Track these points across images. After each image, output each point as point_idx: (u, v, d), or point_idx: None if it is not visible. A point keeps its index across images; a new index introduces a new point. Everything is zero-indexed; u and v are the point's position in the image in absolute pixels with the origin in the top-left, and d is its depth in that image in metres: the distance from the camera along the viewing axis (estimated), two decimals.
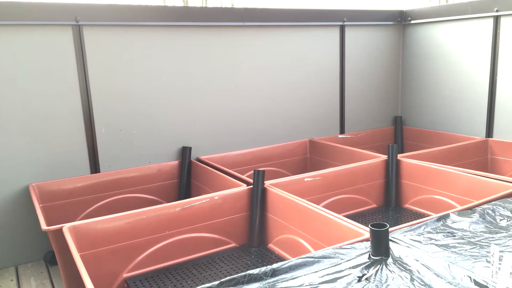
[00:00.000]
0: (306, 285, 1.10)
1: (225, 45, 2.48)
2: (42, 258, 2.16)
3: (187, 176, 2.41)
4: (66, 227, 1.54)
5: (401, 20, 3.05)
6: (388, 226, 1.23)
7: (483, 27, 2.61)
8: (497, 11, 2.50)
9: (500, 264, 1.10)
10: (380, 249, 1.22)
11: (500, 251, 1.23)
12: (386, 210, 2.24)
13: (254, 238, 1.88)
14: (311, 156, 2.85)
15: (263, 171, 1.90)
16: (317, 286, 1.10)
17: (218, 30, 2.45)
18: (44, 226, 1.58)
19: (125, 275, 1.65)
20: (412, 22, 3.00)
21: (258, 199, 1.88)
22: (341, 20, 2.80)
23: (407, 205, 2.24)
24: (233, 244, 1.89)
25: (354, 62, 2.95)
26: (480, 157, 2.60)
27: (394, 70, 3.14)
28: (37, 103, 2.07)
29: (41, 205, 1.99)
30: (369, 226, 1.23)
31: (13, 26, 1.97)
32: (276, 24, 2.60)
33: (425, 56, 2.98)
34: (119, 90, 2.24)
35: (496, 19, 2.54)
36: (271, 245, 1.86)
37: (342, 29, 2.84)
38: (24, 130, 2.06)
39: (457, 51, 2.78)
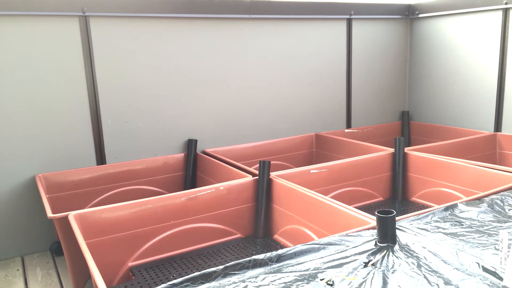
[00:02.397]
0: (312, 270, 1.09)
1: (231, 37, 2.48)
2: (48, 249, 2.16)
3: (192, 169, 2.41)
4: (71, 215, 1.54)
5: (409, 14, 3.03)
6: (395, 213, 1.21)
7: (492, 20, 2.58)
8: (506, 3, 2.47)
9: (509, 250, 1.09)
10: (387, 236, 1.21)
11: (509, 239, 1.21)
12: (393, 203, 2.22)
13: (260, 229, 1.87)
14: (317, 150, 2.84)
15: (269, 162, 1.89)
16: (323, 271, 1.09)
17: (225, 23, 2.44)
18: (50, 214, 1.58)
19: (130, 263, 1.65)
20: (420, 16, 2.98)
21: (263, 189, 1.87)
22: (348, 13, 2.79)
23: (413, 198, 2.22)
24: (239, 235, 1.88)
25: (361, 56, 2.94)
26: (488, 151, 2.57)
27: (402, 64, 3.12)
28: (43, 94, 2.07)
29: (47, 195, 2.00)
30: (376, 212, 1.22)
31: (19, 16, 1.97)
32: (283, 17, 2.59)
33: (433, 50, 2.96)
34: (125, 82, 2.25)
35: (505, 11, 2.51)
36: (276, 236, 1.85)
37: (349, 22, 2.83)
38: (30, 121, 2.06)
39: (466, 45, 2.75)
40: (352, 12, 2.79)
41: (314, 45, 2.75)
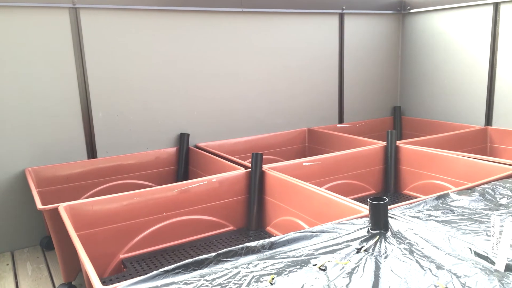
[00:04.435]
0: (305, 256, 1.09)
1: (223, 31, 2.47)
2: (39, 243, 2.14)
3: (185, 163, 2.40)
4: (61, 207, 1.52)
5: (400, 9, 3.04)
6: (387, 199, 1.21)
7: (482, 14, 2.60)
8: None
9: (500, 236, 1.09)
10: (379, 223, 1.21)
11: (500, 226, 1.22)
12: (385, 195, 2.23)
13: (252, 221, 1.87)
14: (309, 145, 2.84)
15: (261, 154, 1.88)
16: (316, 257, 1.08)
17: (217, 16, 2.43)
18: (39, 206, 1.56)
19: (122, 256, 1.63)
20: (412, 11, 2.99)
21: (256, 182, 1.87)
22: (340, 8, 2.79)
23: (406, 191, 2.23)
24: (231, 227, 1.88)
25: (353, 51, 2.94)
26: (479, 145, 2.59)
27: (393, 59, 3.13)
28: (33, 87, 2.05)
29: (37, 189, 1.98)
30: (368, 200, 1.22)
31: (8, 7, 1.95)
32: (275, 11, 2.58)
33: (424, 45, 2.97)
34: (116, 75, 2.23)
35: (496, 6, 2.53)
36: (269, 228, 1.84)
37: (341, 17, 2.83)
38: (20, 114, 2.04)
39: (457, 40, 2.77)
40: (344, 7, 2.80)
41: (307, 40, 2.75)
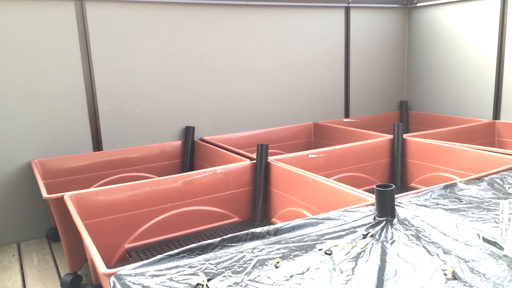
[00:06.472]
0: (310, 241, 1.08)
1: (229, 24, 2.46)
2: (44, 235, 2.14)
3: (190, 156, 2.39)
4: (67, 196, 1.52)
5: (407, 3, 3.02)
6: (394, 186, 1.20)
7: (490, 7, 2.58)
8: None
9: (509, 222, 1.07)
10: (386, 209, 1.20)
11: (510, 213, 1.20)
12: None
13: (258, 212, 1.86)
14: (315, 139, 2.82)
15: (267, 145, 1.87)
16: (322, 242, 1.07)
17: (223, 9, 2.43)
18: (45, 195, 1.56)
19: (127, 245, 1.63)
20: (418, 5, 2.97)
21: (261, 173, 1.86)
22: (346, 1, 2.77)
23: (412, 184, 2.21)
24: (236, 219, 1.87)
25: (359, 45, 2.92)
26: (487, 139, 2.56)
27: (400, 53, 3.11)
28: (39, 79, 2.05)
29: (43, 181, 1.98)
30: (375, 186, 1.21)
31: (13, 0, 1.96)
32: (281, 4, 2.57)
33: (431, 39, 2.95)
34: (122, 68, 2.23)
35: None
36: (274, 219, 1.83)
37: (347, 10, 2.82)
38: (26, 106, 2.04)
39: (464, 33, 2.74)
40: (350, 1, 2.78)
41: (313, 34, 2.74)
